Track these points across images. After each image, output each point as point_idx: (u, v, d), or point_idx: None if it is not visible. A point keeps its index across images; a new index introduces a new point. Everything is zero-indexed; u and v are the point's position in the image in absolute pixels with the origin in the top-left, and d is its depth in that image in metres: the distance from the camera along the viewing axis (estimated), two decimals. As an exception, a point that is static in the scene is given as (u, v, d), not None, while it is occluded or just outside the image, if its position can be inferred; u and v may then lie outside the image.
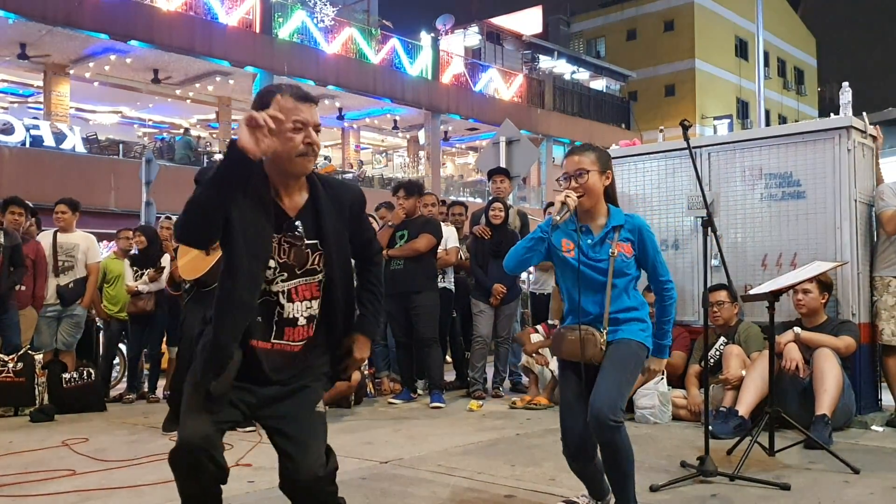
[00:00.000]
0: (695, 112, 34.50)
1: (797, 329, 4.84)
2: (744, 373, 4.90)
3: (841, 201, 5.18)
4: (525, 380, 6.93)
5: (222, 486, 2.26)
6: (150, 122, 23.30)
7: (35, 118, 16.96)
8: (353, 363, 2.46)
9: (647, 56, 36.61)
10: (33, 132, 15.36)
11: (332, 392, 5.55)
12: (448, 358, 7.79)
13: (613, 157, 3.21)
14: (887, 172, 5.63)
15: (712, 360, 5.12)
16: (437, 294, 6.52)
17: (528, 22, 30.62)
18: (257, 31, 18.70)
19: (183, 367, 5.20)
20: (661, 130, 7.06)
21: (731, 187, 5.65)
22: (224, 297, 2.22)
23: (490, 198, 7.06)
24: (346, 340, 2.43)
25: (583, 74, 30.47)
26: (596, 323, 2.86)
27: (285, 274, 2.27)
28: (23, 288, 6.22)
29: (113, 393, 7.15)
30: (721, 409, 4.87)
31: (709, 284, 3.99)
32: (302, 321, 2.29)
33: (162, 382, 7.09)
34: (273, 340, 2.28)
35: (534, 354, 6.24)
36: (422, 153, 24.76)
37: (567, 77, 29.35)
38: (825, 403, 4.48)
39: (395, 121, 24.06)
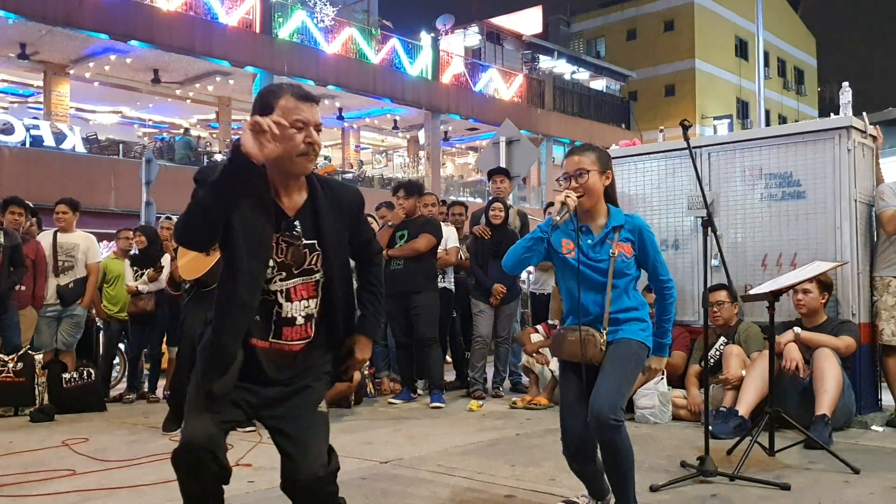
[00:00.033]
0: (695, 112, 34.50)
1: (797, 329, 4.84)
2: (744, 373, 4.90)
3: (841, 201, 5.18)
4: (525, 380, 6.93)
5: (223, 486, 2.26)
6: (150, 122, 23.30)
7: (35, 118, 16.96)
8: (355, 364, 2.47)
9: (647, 56, 36.61)
10: (33, 132, 15.36)
11: (332, 392, 5.55)
12: (448, 358, 7.79)
13: (613, 157, 3.21)
14: (887, 172, 5.63)
15: (712, 360, 5.12)
16: (437, 294, 6.52)
17: (528, 22, 30.62)
18: (257, 31, 18.71)
19: (183, 367, 5.21)
20: (661, 130, 7.06)
21: (731, 187, 5.65)
22: (225, 297, 2.22)
23: (490, 198, 7.06)
24: (347, 341, 2.43)
25: (583, 74, 30.48)
26: (596, 323, 2.86)
27: (283, 273, 2.28)
28: (23, 288, 6.22)
29: (113, 393, 7.15)
30: (721, 409, 4.87)
31: (709, 284, 3.99)
32: (300, 320, 2.30)
33: (162, 382, 7.09)
34: (271, 339, 2.29)
35: (534, 354, 6.24)
36: (422, 153, 24.77)
37: (567, 77, 29.35)
38: (825, 403, 4.48)
39: (395, 121, 24.07)
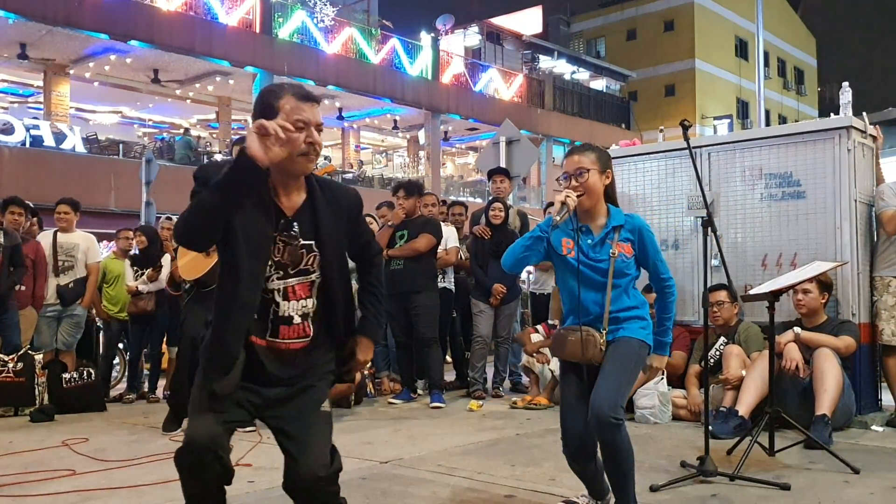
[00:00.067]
0: (695, 112, 34.50)
1: (797, 329, 4.84)
2: (744, 373, 4.90)
3: (841, 201, 5.18)
4: (525, 380, 6.93)
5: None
6: (150, 122, 23.31)
7: (35, 118, 16.96)
8: (357, 365, 2.48)
9: (647, 56, 36.61)
10: (33, 132, 15.36)
11: (332, 392, 5.53)
12: (448, 358, 7.79)
13: (613, 157, 3.21)
14: (887, 172, 5.63)
15: (712, 360, 5.12)
16: (437, 294, 6.52)
17: (528, 22, 30.62)
18: (257, 31, 18.71)
19: (183, 367, 5.21)
20: (661, 130, 7.06)
21: (731, 187, 5.65)
22: (226, 297, 2.23)
23: (490, 198, 7.06)
24: (349, 342, 2.44)
25: (583, 74, 30.47)
26: (596, 323, 2.86)
27: (280, 272, 2.28)
28: (23, 288, 6.22)
29: (113, 393, 7.15)
30: (721, 409, 4.86)
31: (709, 284, 3.99)
32: (297, 320, 2.30)
33: (162, 382, 7.08)
34: (268, 338, 2.29)
35: (534, 354, 6.24)
36: (422, 153, 24.77)
37: (567, 77, 29.35)
38: (825, 403, 4.48)
39: (395, 121, 24.07)
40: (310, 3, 20.12)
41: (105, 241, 10.65)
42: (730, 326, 5.30)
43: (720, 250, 3.64)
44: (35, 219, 7.02)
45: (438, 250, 6.57)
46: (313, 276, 2.32)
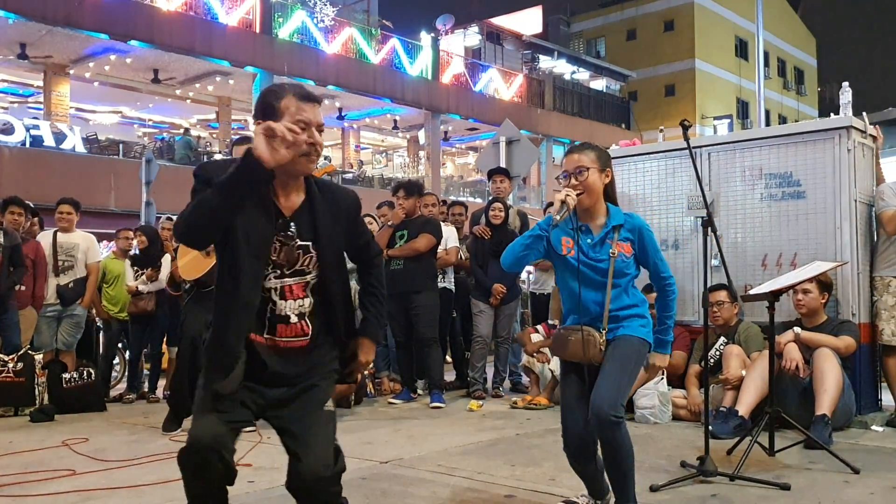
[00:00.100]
0: (695, 112, 34.50)
1: (797, 329, 4.84)
2: (744, 373, 4.90)
3: (841, 201, 5.18)
4: (525, 380, 6.93)
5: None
6: (150, 122, 23.31)
7: (35, 118, 16.96)
8: (359, 367, 2.49)
9: (647, 56, 36.61)
10: (33, 132, 15.36)
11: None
12: (448, 358, 7.79)
13: (613, 157, 3.22)
14: (887, 172, 5.63)
15: (712, 360, 5.12)
16: (437, 294, 6.52)
17: (528, 22, 30.62)
18: (257, 31, 18.70)
19: (183, 367, 5.21)
20: (661, 130, 7.06)
21: (731, 187, 5.65)
22: (227, 297, 2.24)
23: (490, 198, 7.06)
24: (350, 344, 2.45)
25: (583, 74, 30.47)
26: (596, 322, 2.87)
27: (277, 272, 2.29)
28: (23, 288, 6.21)
29: (113, 393, 7.15)
30: (721, 409, 4.86)
31: (709, 284, 3.99)
32: (293, 319, 2.31)
33: (162, 382, 7.08)
34: (266, 336, 2.30)
35: (535, 354, 6.24)
36: (422, 153, 24.76)
37: (567, 77, 29.34)
38: (825, 403, 4.48)
39: (395, 121, 24.07)
40: (310, 3, 20.12)
41: (105, 241, 10.64)
42: (730, 326, 5.30)
43: (720, 250, 3.64)
44: (36, 219, 7.02)
45: (438, 250, 6.57)
46: (308, 277, 2.32)
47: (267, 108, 2.20)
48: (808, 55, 45.95)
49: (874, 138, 5.50)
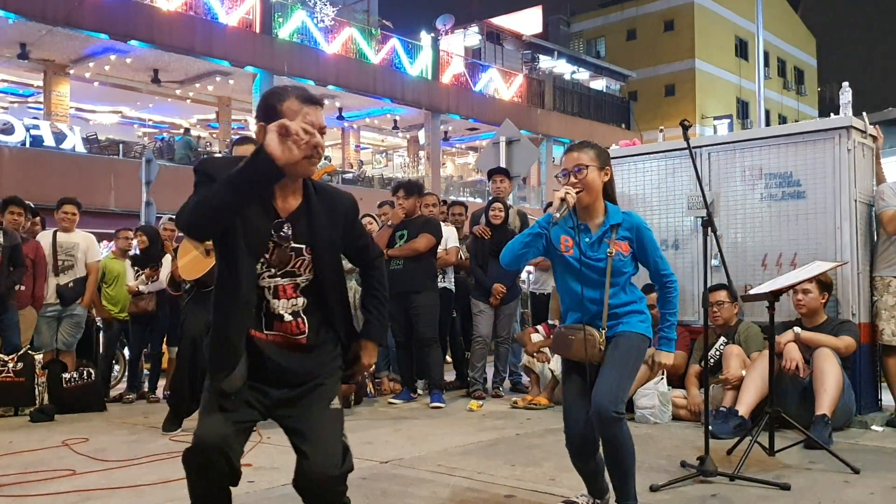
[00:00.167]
0: (695, 112, 34.50)
1: (797, 329, 4.84)
2: (744, 373, 4.90)
3: (841, 201, 5.18)
4: (525, 380, 6.93)
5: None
6: (150, 122, 23.30)
7: (35, 118, 16.96)
8: (361, 369, 2.51)
9: (647, 56, 36.62)
10: (33, 132, 15.36)
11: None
12: (448, 358, 7.79)
13: (613, 158, 3.22)
14: (887, 172, 5.63)
15: (712, 360, 5.12)
16: (437, 294, 6.52)
17: (528, 22, 30.63)
18: (257, 31, 18.70)
19: (183, 367, 5.20)
20: (661, 130, 7.06)
21: (731, 187, 5.65)
22: (227, 295, 2.25)
23: (490, 198, 7.06)
24: (353, 346, 2.46)
25: (583, 74, 30.47)
26: (595, 320, 2.88)
27: (271, 271, 2.30)
28: (22, 288, 6.21)
29: (113, 393, 7.15)
30: (721, 409, 4.86)
31: (709, 284, 3.99)
32: (287, 317, 2.31)
33: (162, 382, 7.08)
34: (265, 332, 2.31)
35: (535, 353, 6.24)
36: (422, 153, 24.77)
37: (567, 77, 29.35)
38: (825, 403, 4.48)
39: (395, 121, 24.06)
40: (310, 3, 20.11)
41: (105, 241, 10.65)
42: (730, 326, 5.30)
43: (720, 250, 3.64)
44: (37, 218, 7.02)
45: (438, 250, 6.57)
46: (299, 279, 2.32)
47: (269, 110, 2.20)
48: (808, 55, 45.95)
49: (874, 138, 5.50)
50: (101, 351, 7.41)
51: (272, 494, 3.41)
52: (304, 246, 2.30)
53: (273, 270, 2.29)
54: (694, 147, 4.18)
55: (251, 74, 18.65)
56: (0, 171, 14.17)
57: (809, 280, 4.67)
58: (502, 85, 25.16)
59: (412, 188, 6.51)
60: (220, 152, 18.35)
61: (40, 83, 17.84)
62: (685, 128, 3.61)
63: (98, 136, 17.95)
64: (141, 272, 6.84)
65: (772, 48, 39.60)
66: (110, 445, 4.70)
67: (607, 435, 2.73)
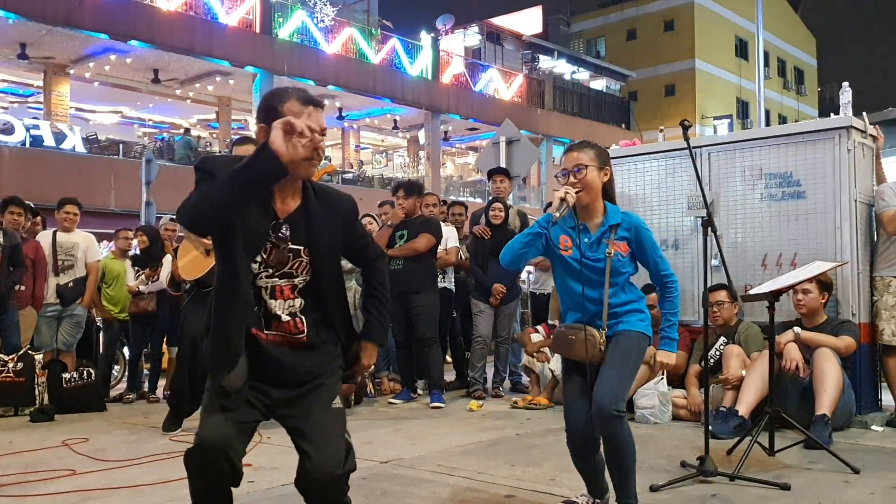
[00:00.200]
0: (695, 112, 34.50)
1: (797, 329, 4.84)
2: (744, 373, 4.90)
3: (841, 201, 5.18)
4: (526, 380, 6.93)
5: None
6: (150, 122, 23.31)
7: (35, 118, 16.97)
8: (361, 369, 2.50)
9: (647, 56, 36.62)
10: (33, 132, 15.37)
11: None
12: (448, 358, 7.79)
13: (613, 158, 3.22)
14: (888, 172, 5.63)
15: (712, 360, 5.12)
16: (437, 294, 6.52)
17: (528, 22, 30.63)
18: (257, 31, 18.71)
19: (183, 367, 5.21)
20: (661, 130, 7.06)
21: (731, 187, 5.65)
22: (227, 295, 2.25)
23: (490, 198, 7.06)
24: (353, 346, 2.46)
25: (583, 74, 30.48)
26: (595, 319, 2.88)
27: (268, 271, 2.30)
28: (22, 288, 6.21)
29: (113, 393, 7.15)
30: (721, 409, 4.86)
31: (709, 284, 3.99)
32: (285, 317, 2.31)
33: (162, 382, 7.08)
34: (265, 331, 2.31)
35: (535, 353, 6.24)
36: (422, 153, 24.77)
37: (567, 77, 29.35)
38: (825, 403, 4.48)
39: (395, 121, 24.07)
40: (310, 3, 20.12)
41: (105, 241, 10.65)
42: (730, 326, 5.30)
43: (720, 250, 3.64)
44: (38, 218, 7.02)
45: (438, 250, 6.57)
46: (296, 280, 2.32)
47: (270, 112, 2.20)
48: (808, 55, 45.95)
49: (874, 138, 5.50)
50: (101, 351, 7.41)
51: (272, 494, 3.41)
52: (302, 247, 2.30)
53: (270, 271, 2.29)
54: (694, 147, 4.18)
55: (251, 74, 18.66)
56: (0, 171, 14.17)
57: (809, 280, 4.67)
58: (502, 85, 25.17)
59: (412, 188, 6.51)
60: (220, 152, 18.33)
61: (40, 83, 17.84)
62: (685, 128, 3.61)
63: (98, 136, 17.95)
64: (141, 272, 6.84)
65: (772, 48, 39.60)
66: (110, 445, 4.70)
67: (608, 433, 2.73)
